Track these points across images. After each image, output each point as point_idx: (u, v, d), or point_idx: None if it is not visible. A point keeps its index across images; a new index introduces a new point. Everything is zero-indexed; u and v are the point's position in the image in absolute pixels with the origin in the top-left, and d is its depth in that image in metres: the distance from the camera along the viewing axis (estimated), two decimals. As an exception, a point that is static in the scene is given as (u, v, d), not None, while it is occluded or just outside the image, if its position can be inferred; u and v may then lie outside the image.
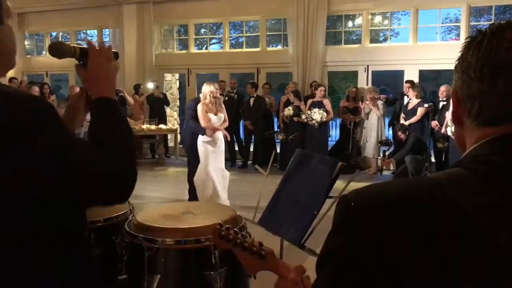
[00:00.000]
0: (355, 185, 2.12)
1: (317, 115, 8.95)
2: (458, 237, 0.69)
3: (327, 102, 9.29)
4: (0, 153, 1.08)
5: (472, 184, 0.73)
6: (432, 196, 0.72)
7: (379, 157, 9.26)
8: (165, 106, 11.33)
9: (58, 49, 1.37)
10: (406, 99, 9.21)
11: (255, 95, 9.92)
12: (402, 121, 8.66)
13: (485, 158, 0.77)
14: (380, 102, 9.32)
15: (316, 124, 9.01)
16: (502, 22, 0.80)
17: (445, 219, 0.70)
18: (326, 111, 9.11)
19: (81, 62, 1.40)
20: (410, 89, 8.86)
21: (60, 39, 13.72)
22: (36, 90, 9.57)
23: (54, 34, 13.66)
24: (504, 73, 0.75)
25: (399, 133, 8.36)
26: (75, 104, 1.52)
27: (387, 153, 9.11)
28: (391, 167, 9.51)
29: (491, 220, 0.70)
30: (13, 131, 1.08)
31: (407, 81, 9.38)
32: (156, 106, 10.96)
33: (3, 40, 1.21)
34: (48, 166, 1.11)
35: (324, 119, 9.10)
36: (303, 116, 9.10)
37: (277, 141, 10.05)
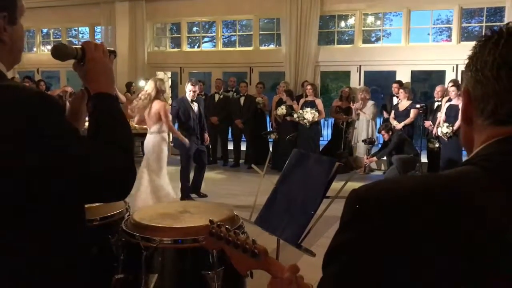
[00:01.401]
0: (347, 185, 2.12)
1: (308, 114, 8.97)
2: (471, 236, 0.69)
3: (319, 102, 9.32)
4: (5, 145, 1.08)
5: (486, 182, 0.73)
6: (445, 194, 0.72)
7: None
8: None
9: (61, 51, 1.36)
10: (395, 100, 9.26)
11: (246, 94, 9.94)
12: (394, 122, 8.71)
13: (497, 156, 0.77)
14: (370, 103, 9.37)
15: (307, 124, 9.03)
16: None
17: (459, 217, 0.70)
18: (318, 111, 9.14)
19: (82, 63, 1.39)
20: (402, 90, 8.90)
21: (51, 36, 13.62)
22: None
23: (45, 30, 13.54)
24: None
25: (383, 132, 8.48)
26: (77, 106, 1.51)
27: (371, 152, 9.19)
28: (382, 167, 9.57)
29: (505, 218, 0.70)
30: (18, 125, 1.09)
31: (395, 82, 9.44)
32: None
33: (16, 38, 1.24)
34: (51, 159, 1.11)
35: (316, 119, 9.13)
36: (295, 115, 9.12)
37: (270, 140, 10.06)
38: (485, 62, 0.79)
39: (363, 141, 9.15)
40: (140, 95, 5.90)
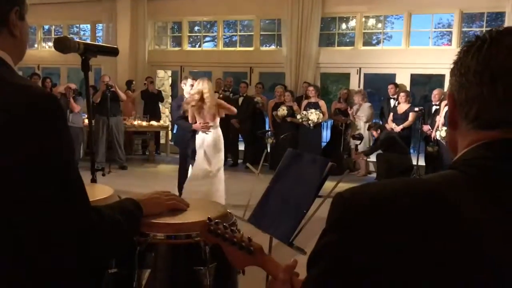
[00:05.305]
0: (344, 186, 2.14)
1: (313, 115, 8.98)
2: (450, 238, 0.70)
3: (323, 104, 9.34)
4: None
5: (465, 186, 0.74)
6: (426, 198, 0.73)
7: (368, 159, 9.33)
8: (159, 103, 11.27)
9: (63, 44, 1.38)
10: (392, 103, 9.28)
11: (245, 95, 9.94)
12: (392, 125, 8.73)
13: (479, 161, 0.77)
14: (367, 105, 9.39)
15: (311, 125, 9.04)
16: (500, 28, 0.81)
17: (438, 219, 0.71)
18: (322, 112, 9.15)
19: (83, 57, 1.40)
20: (403, 93, 8.91)
21: (52, 33, 13.64)
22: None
23: (46, 27, 13.57)
24: (503, 78, 0.76)
25: (372, 129, 8.52)
26: None
27: (359, 148, 9.23)
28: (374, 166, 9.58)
29: (483, 221, 0.71)
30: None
31: (391, 83, 9.45)
32: (149, 102, 10.92)
33: (23, 34, 1.26)
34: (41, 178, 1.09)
35: (320, 120, 9.14)
36: (298, 116, 9.13)
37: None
38: (468, 67, 0.80)
39: (352, 136, 9.18)
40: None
